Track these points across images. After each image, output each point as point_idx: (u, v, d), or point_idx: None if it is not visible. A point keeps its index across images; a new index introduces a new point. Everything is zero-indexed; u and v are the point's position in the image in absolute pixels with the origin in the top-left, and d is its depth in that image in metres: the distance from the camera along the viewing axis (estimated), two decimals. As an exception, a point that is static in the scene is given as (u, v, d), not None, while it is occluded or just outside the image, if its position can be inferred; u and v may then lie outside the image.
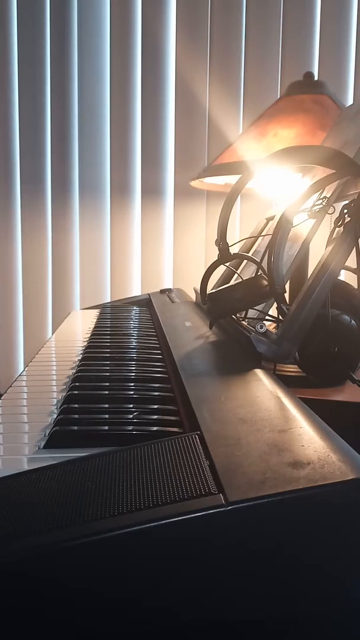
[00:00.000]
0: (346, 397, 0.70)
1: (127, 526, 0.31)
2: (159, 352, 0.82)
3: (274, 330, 0.62)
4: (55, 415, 0.56)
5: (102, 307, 1.45)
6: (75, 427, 0.52)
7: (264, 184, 1.18)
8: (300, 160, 0.69)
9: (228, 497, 0.31)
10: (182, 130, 1.90)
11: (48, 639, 0.30)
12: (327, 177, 0.65)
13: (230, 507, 0.31)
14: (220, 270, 0.93)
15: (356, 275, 0.66)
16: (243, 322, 0.77)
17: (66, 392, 0.62)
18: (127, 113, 1.91)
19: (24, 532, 0.32)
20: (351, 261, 0.64)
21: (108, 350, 0.85)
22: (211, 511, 0.31)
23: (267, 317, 0.76)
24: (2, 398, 0.64)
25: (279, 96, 1.56)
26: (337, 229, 0.62)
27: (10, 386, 0.69)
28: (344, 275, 0.72)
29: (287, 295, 0.68)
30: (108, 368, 0.73)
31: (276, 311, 0.65)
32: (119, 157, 1.93)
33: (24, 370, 0.78)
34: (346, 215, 0.61)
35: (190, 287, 1.38)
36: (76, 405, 0.58)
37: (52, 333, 1.35)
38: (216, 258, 0.76)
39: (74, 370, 0.74)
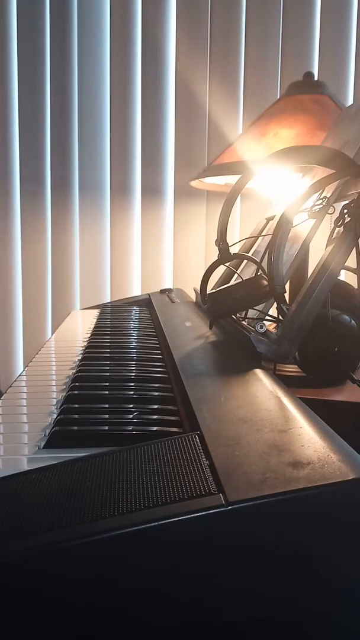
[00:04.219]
0: (346, 397, 0.70)
1: (127, 526, 0.31)
2: (159, 352, 0.82)
3: (274, 330, 0.62)
4: (55, 415, 0.56)
5: (102, 307, 1.45)
6: (75, 427, 0.52)
7: (264, 184, 1.18)
8: (300, 160, 0.69)
9: (228, 497, 0.31)
10: (182, 130, 1.89)
11: (48, 639, 0.30)
12: (327, 177, 0.65)
13: (230, 507, 0.31)
14: (220, 270, 0.93)
15: (356, 275, 0.66)
16: (243, 322, 0.77)
17: (66, 392, 0.62)
18: (127, 113, 1.91)
19: (24, 531, 0.32)
20: (351, 261, 0.64)
21: (108, 350, 0.85)
22: (211, 511, 0.31)
23: (267, 317, 0.76)
24: (2, 398, 0.64)
25: (279, 96, 1.56)
26: (337, 229, 0.62)
27: (10, 386, 0.69)
28: (344, 275, 0.72)
29: (287, 295, 0.68)
30: (108, 368, 0.73)
31: (276, 311, 0.65)
32: (119, 157, 1.93)
33: (24, 370, 0.78)
34: (346, 215, 0.61)
35: (190, 287, 1.38)
36: (76, 405, 0.58)
37: (52, 333, 1.35)
38: (216, 258, 0.76)
39: (74, 370, 0.74)
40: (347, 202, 0.62)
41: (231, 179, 1.25)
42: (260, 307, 0.78)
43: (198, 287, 0.95)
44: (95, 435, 0.50)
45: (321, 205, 0.68)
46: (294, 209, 0.66)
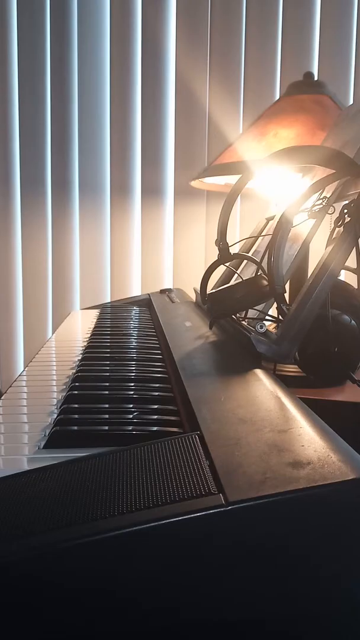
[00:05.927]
0: (346, 397, 0.70)
1: (127, 526, 0.31)
2: (159, 352, 0.82)
3: (274, 330, 0.62)
4: (55, 415, 0.56)
5: (102, 307, 1.45)
6: (75, 427, 0.52)
7: (264, 184, 1.18)
8: (300, 160, 0.69)
9: (228, 497, 0.31)
10: (182, 130, 1.89)
11: (48, 639, 0.30)
12: (327, 177, 0.65)
13: (230, 507, 0.31)
14: (220, 270, 0.93)
15: (356, 275, 0.66)
16: (243, 322, 0.77)
17: (66, 392, 0.62)
18: (127, 113, 1.91)
19: (24, 532, 0.32)
20: (351, 261, 0.64)
21: (108, 350, 0.85)
22: (211, 511, 0.31)
23: (267, 317, 0.76)
24: (2, 398, 0.64)
25: (279, 96, 1.56)
26: (337, 229, 0.62)
27: (10, 386, 0.69)
28: (344, 275, 0.72)
29: (287, 295, 0.68)
30: (108, 368, 0.73)
31: (276, 311, 0.65)
32: (119, 157, 1.93)
33: (24, 370, 0.78)
34: (346, 215, 0.61)
35: (190, 287, 1.38)
36: (76, 405, 0.58)
37: (52, 333, 1.35)
38: (216, 258, 0.76)
39: (74, 370, 0.74)
40: (347, 202, 0.62)
41: (231, 179, 1.25)
42: (260, 307, 0.78)
43: (198, 287, 0.95)
44: (95, 435, 0.50)
45: (321, 205, 0.68)
46: (294, 209, 0.66)
